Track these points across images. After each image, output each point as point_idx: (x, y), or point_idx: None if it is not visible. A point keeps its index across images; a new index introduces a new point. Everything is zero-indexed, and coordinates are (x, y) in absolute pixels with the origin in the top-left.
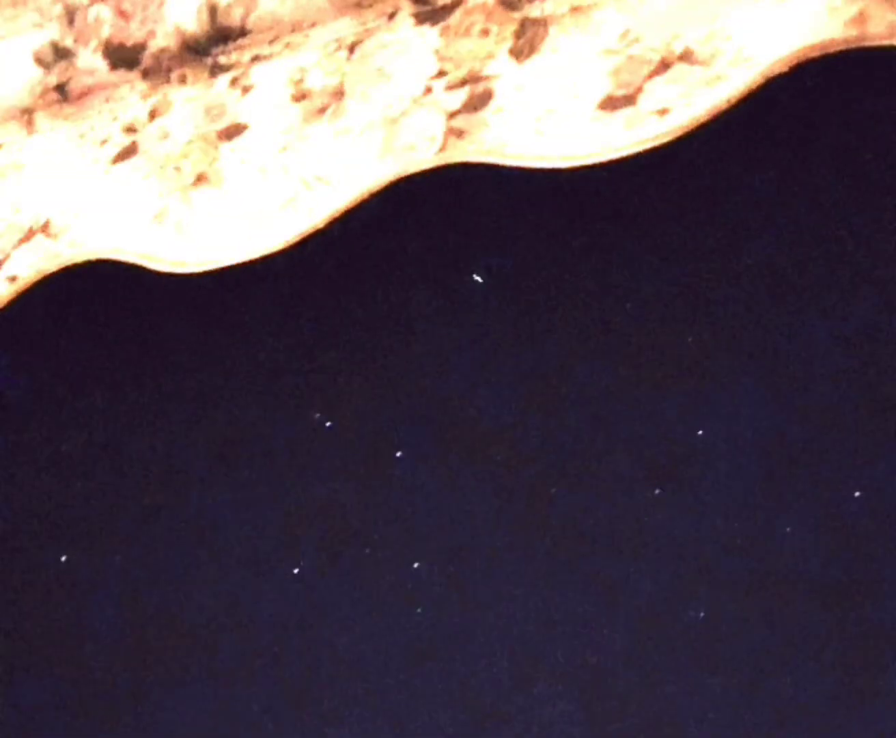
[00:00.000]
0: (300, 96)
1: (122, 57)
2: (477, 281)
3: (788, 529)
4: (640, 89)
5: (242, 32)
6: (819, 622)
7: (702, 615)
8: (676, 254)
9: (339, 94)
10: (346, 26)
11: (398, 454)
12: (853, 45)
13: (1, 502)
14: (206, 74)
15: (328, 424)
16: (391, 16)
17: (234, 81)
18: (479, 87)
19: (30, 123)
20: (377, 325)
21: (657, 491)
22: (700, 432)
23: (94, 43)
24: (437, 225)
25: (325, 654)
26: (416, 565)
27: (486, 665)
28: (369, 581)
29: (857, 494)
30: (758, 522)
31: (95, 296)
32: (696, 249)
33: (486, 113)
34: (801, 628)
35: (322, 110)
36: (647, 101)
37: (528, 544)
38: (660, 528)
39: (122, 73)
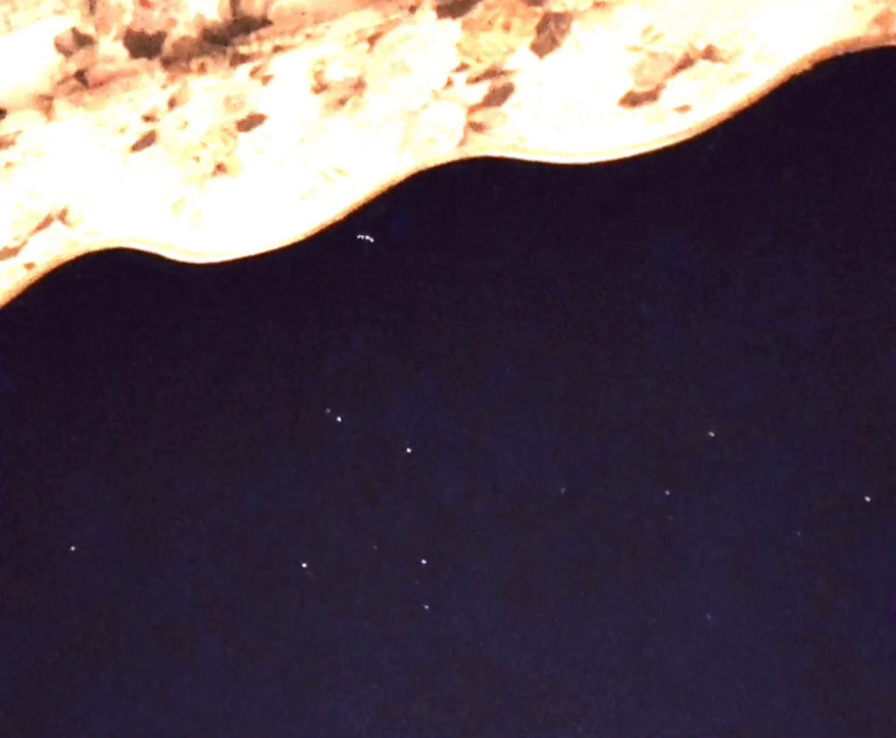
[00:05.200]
0: (320, 88)
1: (143, 45)
2: (366, 240)
3: (798, 532)
4: (661, 86)
5: (264, 22)
6: (828, 626)
7: (709, 617)
8: (692, 253)
9: (359, 86)
10: (368, 18)
11: (408, 450)
12: (878, 44)
13: (11, 493)
14: (226, 64)
15: (338, 419)
16: (413, 8)
17: (254, 72)
18: (501, 82)
19: (49, 110)
20: (389, 320)
21: (667, 492)
22: (711, 434)
23: (115, 30)
24: (454, 219)
25: (331, 649)
26: (423, 561)
27: (493, 663)
28: (376, 577)
29: (867, 498)
30: (767, 524)
31: (111, 285)
32: (713, 247)
33: (506, 107)
34: (810, 631)
35: (342, 102)
36: (668, 98)
37: (536, 544)
38: (669, 530)
39: (142, 62)
